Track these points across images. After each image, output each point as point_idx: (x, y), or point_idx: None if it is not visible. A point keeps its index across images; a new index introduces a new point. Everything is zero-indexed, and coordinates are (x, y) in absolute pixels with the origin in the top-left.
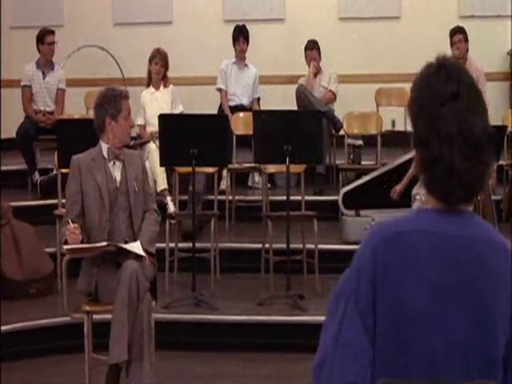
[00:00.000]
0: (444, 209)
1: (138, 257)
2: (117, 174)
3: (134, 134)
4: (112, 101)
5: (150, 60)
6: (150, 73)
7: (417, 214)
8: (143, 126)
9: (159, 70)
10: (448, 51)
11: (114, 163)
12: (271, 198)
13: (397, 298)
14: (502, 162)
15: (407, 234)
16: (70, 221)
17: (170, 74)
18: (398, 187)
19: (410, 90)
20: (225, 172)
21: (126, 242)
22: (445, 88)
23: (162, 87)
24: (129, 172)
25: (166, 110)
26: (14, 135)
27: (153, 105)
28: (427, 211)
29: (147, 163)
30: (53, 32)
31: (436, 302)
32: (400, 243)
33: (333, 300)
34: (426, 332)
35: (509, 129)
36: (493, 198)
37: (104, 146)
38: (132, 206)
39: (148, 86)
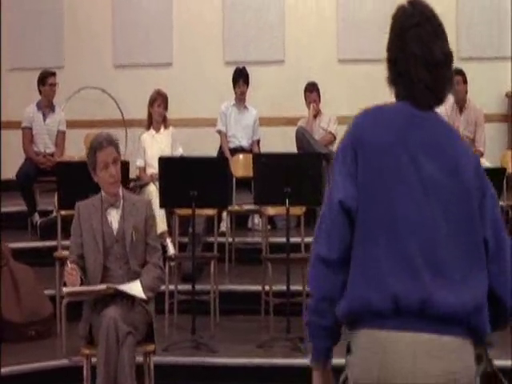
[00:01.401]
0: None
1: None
2: (114, 222)
3: (133, 176)
4: (90, 154)
5: (151, 102)
6: (150, 115)
7: (395, 103)
8: (143, 168)
9: (160, 112)
10: None
11: (111, 211)
12: (271, 239)
13: (373, 156)
14: (501, 203)
15: (385, 111)
16: (68, 262)
17: (170, 115)
18: None
19: None
20: (225, 214)
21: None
22: (410, 18)
23: (162, 129)
24: (127, 220)
25: (167, 152)
26: (14, 176)
27: (153, 147)
28: (405, 103)
29: None
30: (54, 74)
31: (411, 158)
32: (378, 116)
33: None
34: (406, 178)
35: (508, 170)
36: None
37: (102, 194)
38: (128, 254)
39: (148, 128)
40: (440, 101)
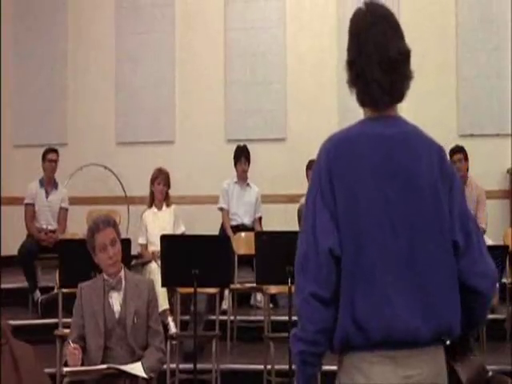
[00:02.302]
0: (377, 116)
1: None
2: (116, 305)
3: (135, 253)
4: (89, 237)
5: (153, 180)
6: (152, 193)
7: (358, 123)
8: (145, 246)
9: (162, 189)
10: None
11: (113, 293)
12: (273, 318)
13: (348, 186)
14: (504, 281)
15: (352, 137)
16: (70, 342)
17: (171, 192)
18: None
19: None
20: (226, 292)
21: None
22: (365, 18)
23: (164, 207)
24: (129, 304)
25: (168, 230)
26: (15, 253)
27: (155, 224)
28: (366, 120)
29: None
30: (55, 150)
31: (377, 187)
32: (347, 143)
33: (306, 207)
34: (373, 211)
35: (510, 248)
36: (496, 316)
37: (104, 276)
38: (129, 337)
39: (150, 205)
40: (397, 99)
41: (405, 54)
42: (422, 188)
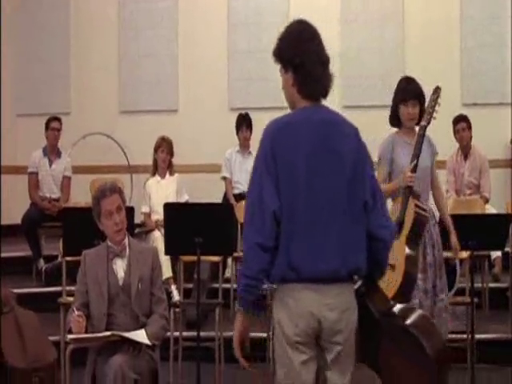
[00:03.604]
0: (311, 105)
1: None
2: (120, 271)
3: (138, 221)
4: (94, 203)
5: (156, 149)
6: (155, 161)
7: (297, 111)
8: (148, 214)
9: (165, 158)
10: (452, 139)
11: (117, 260)
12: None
13: (287, 162)
14: (507, 250)
15: (292, 122)
16: (74, 309)
17: (174, 161)
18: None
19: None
20: (230, 260)
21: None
22: (304, 33)
23: (167, 175)
24: (133, 271)
25: (172, 199)
26: (19, 221)
27: (158, 193)
28: (302, 108)
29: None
30: (58, 119)
31: (310, 163)
32: (288, 128)
33: (253, 176)
34: (306, 182)
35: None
36: (499, 285)
37: (108, 243)
38: (133, 304)
39: (154, 174)
40: (326, 93)
41: (329, 61)
42: (345, 163)
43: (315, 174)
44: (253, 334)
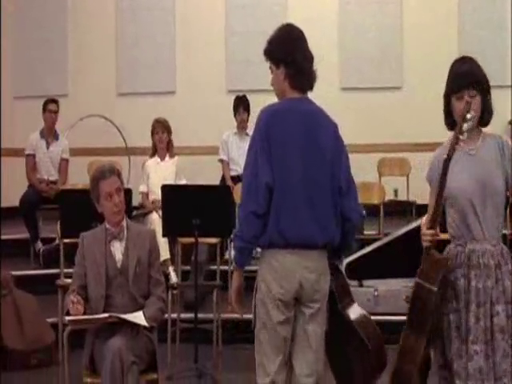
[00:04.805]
0: (298, 97)
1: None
2: (117, 253)
3: (136, 204)
4: (93, 185)
5: (152, 132)
6: (154, 144)
7: (286, 100)
8: (146, 194)
9: (161, 137)
10: None
11: (115, 242)
12: None
13: (278, 144)
14: (504, 232)
15: (281, 110)
16: (72, 291)
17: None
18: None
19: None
20: (228, 242)
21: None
22: (293, 32)
23: (167, 157)
24: (131, 253)
25: (170, 181)
26: (16, 204)
27: (157, 174)
28: (291, 98)
29: None
30: (55, 101)
31: (297, 147)
32: (279, 114)
33: (249, 154)
34: (294, 163)
35: (511, 199)
36: None
37: (106, 225)
38: (131, 286)
39: (153, 155)
40: (312, 86)
41: (312, 57)
42: (325, 151)
43: (303, 154)
44: (246, 316)
